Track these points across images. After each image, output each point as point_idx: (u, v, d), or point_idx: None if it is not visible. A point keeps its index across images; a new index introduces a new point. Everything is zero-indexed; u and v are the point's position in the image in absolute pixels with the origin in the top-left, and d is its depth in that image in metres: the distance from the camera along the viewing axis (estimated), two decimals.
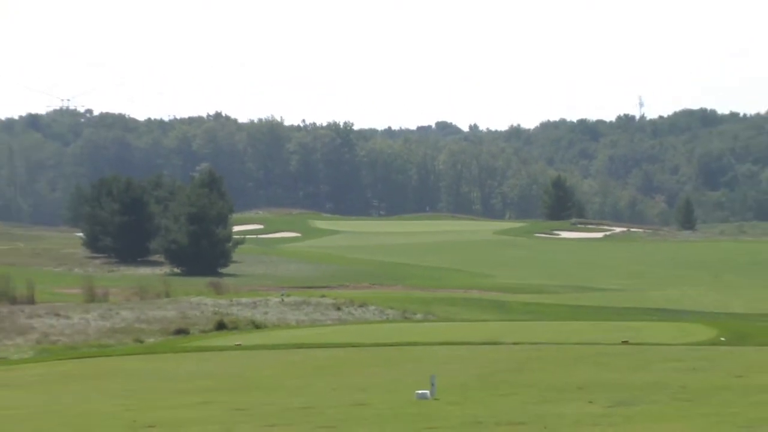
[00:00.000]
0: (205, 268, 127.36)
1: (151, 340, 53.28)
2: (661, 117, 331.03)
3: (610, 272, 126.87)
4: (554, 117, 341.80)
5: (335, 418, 24.32)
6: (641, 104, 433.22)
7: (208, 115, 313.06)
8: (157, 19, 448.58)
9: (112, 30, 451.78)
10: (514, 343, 42.43)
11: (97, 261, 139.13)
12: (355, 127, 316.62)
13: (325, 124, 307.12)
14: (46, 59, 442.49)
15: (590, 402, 26.29)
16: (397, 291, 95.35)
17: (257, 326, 59.23)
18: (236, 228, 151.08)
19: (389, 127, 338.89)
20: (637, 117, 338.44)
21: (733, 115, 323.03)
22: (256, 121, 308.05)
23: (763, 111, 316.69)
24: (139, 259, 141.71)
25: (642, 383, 29.62)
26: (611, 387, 28.98)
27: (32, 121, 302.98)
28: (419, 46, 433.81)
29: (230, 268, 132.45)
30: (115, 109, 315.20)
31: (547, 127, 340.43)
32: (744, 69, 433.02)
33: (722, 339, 45.29)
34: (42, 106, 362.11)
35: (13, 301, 71.56)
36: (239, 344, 46.18)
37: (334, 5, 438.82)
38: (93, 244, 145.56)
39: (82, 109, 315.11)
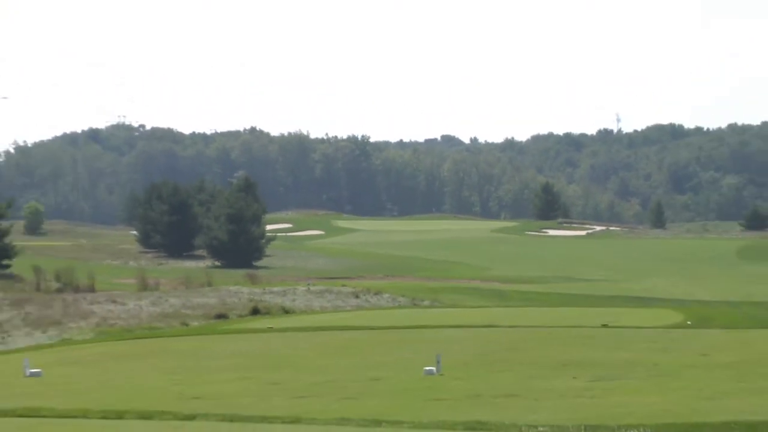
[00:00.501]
0: (242, 261, 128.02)
1: (195, 323, 52.27)
2: (635, 131, 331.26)
3: (592, 265, 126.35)
4: (543, 131, 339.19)
5: (355, 391, 24.71)
6: (618, 120, 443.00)
7: (245, 129, 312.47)
8: (201, 44, 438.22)
9: (163, 52, 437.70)
10: (510, 326, 41.60)
11: (149, 255, 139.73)
12: (371, 140, 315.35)
13: (345, 137, 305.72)
14: (103, 76, 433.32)
15: (574, 377, 26.50)
16: (407, 281, 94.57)
17: (286, 311, 58.79)
18: (268, 227, 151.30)
19: (401, 140, 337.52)
20: (615, 131, 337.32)
21: (698, 129, 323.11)
22: (285, 134, 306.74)
23: (724, 126, 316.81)
24: (184, 254, 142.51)
25: (619, 361, 29.75)
26: (592, 364, 29.06)
27: (93, 134, 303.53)
28: (427, 69, 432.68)
29: (263, 262, 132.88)
30: (164, 123, 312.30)
31: (537, 139, 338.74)
32: (707, 89, 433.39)
33: (689, 323, 44.93)
34: (101, 121, 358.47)
35: (77, 289, 71.48)
36: (271, 327, 45.53)
37: (356, 34, 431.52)
38: (145, 240, 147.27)
39: (135, 124, 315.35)
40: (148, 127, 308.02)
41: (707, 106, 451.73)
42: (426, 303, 65.74)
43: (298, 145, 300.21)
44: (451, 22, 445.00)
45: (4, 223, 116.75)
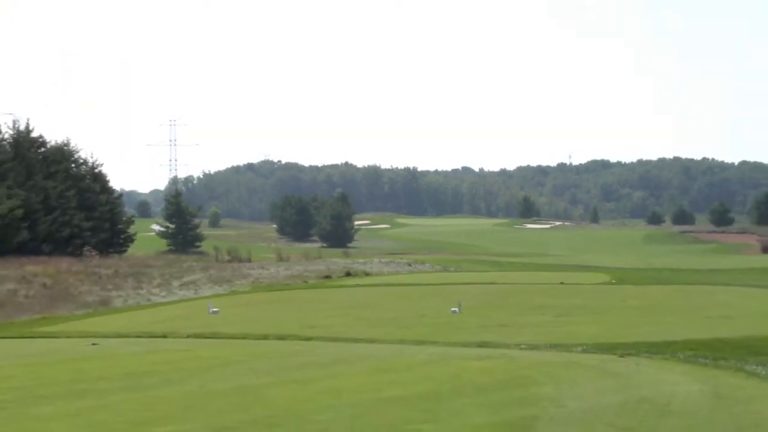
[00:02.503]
0: (339, 243, 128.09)
1: (311, 281, 51.26)
2: (580, 163, 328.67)
3: (554, 246, 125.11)
4: (524, 163, 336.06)
5: (410, 323, 25.15)
6: (570, 156, 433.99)
7: (341, 163, 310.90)
8: (313, 107, 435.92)
9: (291, 113, 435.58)
10: (503, 283, 41.18)
11: (283, 240, 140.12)
12: (419, 169, 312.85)
13: (401, 167, 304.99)
14: (255, 129, 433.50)
15: (543, 315, 26.83)
16: (440, 256, 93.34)
17: (367, 274, 57.75)
18: (355, 223, 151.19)
19: (436, 169, 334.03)
20: (567, 163, 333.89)
21: (618, 162, 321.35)
22: (366, 165, 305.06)
23: (634, 160, 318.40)
24: (305, 239, 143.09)
25: (571, 305, 29.65)
26: (554, 306, 29.10)
27: (249, 167, 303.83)
28: (453, 123, 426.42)
29: (353, 244, 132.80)
30: (292, 159, 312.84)
31: (520, 168, 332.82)
32: (624, 137, 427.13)
33: (613, 281, 44.04)
34: (254, 157, 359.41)
35: (240, 260, 70.76)
36: (357, 285, 43.77)
37: (422, 100, 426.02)
38: (281, 231, 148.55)
39: (275, 159, 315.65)
40: (282, 162, 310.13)
41: (623, 147, 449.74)
42: (452, 269, 64.85)
43: (373, 172, 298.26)
44: (465, 84, 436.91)
45: (197, 221, 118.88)
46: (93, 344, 20.43)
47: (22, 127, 73.01)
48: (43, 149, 74.76)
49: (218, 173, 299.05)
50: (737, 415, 11.13)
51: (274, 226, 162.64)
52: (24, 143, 71.98)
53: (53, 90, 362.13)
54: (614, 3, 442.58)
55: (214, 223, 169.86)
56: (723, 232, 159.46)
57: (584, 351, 17.90)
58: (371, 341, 20.42)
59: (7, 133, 71.71)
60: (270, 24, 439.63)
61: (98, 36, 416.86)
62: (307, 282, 50.69)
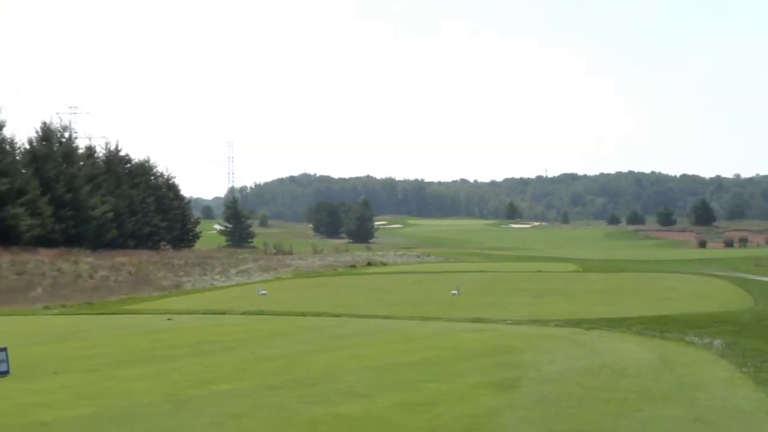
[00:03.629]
0: (363, 239, 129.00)
1: (340, 269, 50.95)
2: (554, 175, 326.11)
3: (533, 242, 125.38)
4: (509, 176, 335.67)
5: (419, 303, 25.02)
6: (545, 169, 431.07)
7: (364, 176, 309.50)
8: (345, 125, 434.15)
9: (327, 130, 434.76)
10: (491, 272, 41.07)
11: (317, 237, 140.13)
12: (425, 180, 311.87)
13: (412, 179, 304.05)
14: (296, 146, 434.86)
15: (524, 296, 26.60)
16: (443, 249, 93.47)
17: (384, 264, 58.22)
18: (375, 223, 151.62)
19: (439, 180, 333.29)
20: (543, 175, 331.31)
21: (584, 176, 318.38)
22: (384, 177, 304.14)
23: (597, 173, 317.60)
24: (335, 236, 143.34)
25: (546, 288, 29.53)
26: (532, 290, 28.90)
27: (291, 179, 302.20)
28: (454, 141, 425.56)
29: (373, 240, 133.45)
30: (325, 172, 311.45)
31: (507, 180, 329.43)
32: (589, 154, 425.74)
33: (580, 270, 43.31)
34: (296, 170, 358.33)
35: (283, 253, 71.08)
36: (376, 272, 43.75)
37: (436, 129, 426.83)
38: (316, 230, 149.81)
39: (312, 173, 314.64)
40: (317, 174, 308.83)
41: (588, 163, 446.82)
42: (452, 260, 64.80)
43: (389, 183, 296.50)
44: (463, 112, 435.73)
45: (249, 221, 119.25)
46: (168, 319, 20.53)
47: (112, 148, 73.82)
48: (128, 165, 75.11)
49: (266, 184, 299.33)
50: (679, 376, 11.13)
51: (311, 225, 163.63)
52: (114, 160, 72.42)
53: (137, 116, 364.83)
54: (584, 48, 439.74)
55: (263, 223, 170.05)
56: (667, 230, 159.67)
57: (557, 325, 17.79)
58: (388, 317, 20.36)
59: (101, 152, 72.52)
60: (308, 64, 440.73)
61: (178, 74, 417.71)
62: (336, 270, 50.45)
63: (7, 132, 57.82)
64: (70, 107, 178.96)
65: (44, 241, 53.23)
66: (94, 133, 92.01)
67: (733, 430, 7.94)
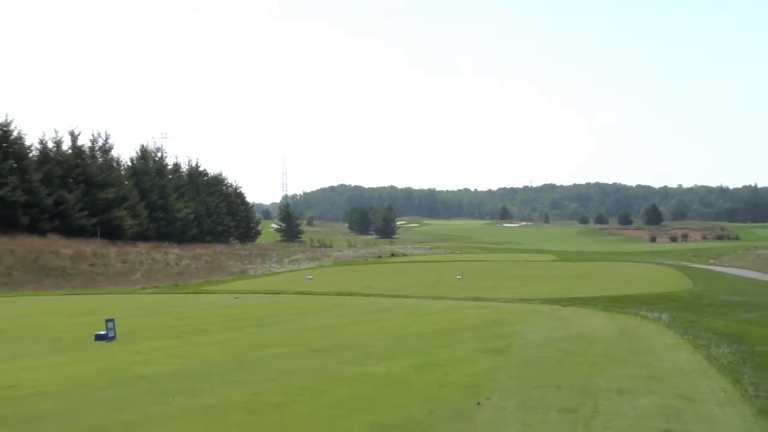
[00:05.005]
0: (387, 236, 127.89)
1: (369, 259, 50.46)
2: (537, 185, 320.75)
3: (521, 238, 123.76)
4: (502, 185, 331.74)
5: (431, 285, 24.75)
6: (530, 180, 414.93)
7: (388, 185, 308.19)
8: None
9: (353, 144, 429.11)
10: (489, 261, 40.91)
11: (352, 233, 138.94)
12: (437, 189, 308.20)
13: (426, 188, 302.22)
14: (333, 160, 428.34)
15: (514, 280, 26.37)
16: (450, 243, 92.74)
17: (404, 255, 57.70)
18: (397, 222, 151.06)
19: (447, 189, 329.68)
20: (529, 185, 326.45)
21: (561, 186, 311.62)
22: (404, 186, 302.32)
23: (571, 183, 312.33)
24: (366, 233, 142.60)
25: (531, 274, 29.28)
26: (520, 276, 28.64)
27: (331, 188, 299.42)
28: (460, 158, 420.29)
29: (395, 236, 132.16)
30: (357, 182, 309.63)
31: (500, 188, 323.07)
32: (566, 168, 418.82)
33: (558, 260, 42.19)
34: (334, 181, 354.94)
35: (325, 246, 69.98)
36: (395, 261, 43.97)
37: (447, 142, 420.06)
38: (351, 228, 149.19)
39: (347, 183, 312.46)
40: (352, 185, 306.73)
41: (564, 175, 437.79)
42: (457, 252, 64.61)
43: (408, 191, 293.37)
44: (467, 136, 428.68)
45: (299, 221, 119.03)
46: (235, 298, 20.48)
47: (193, 164, 74.55)
48: (206, 177, 75.60)
49: (312, 192, 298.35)
50: (635, 343, 11.02)
51: (346, 225, 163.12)
52: (194, 174, 72.91)
53: (213, 139, 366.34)
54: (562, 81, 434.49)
55: (309, 223, 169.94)
56: (626, 228, 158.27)
57: (540, 303, 17.63)
58: (407, 297, 20.18)
59: (185, 168, 73.19)
60: (345, 99, 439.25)
61: (245, 106, 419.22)
62: (366, 260, 50.51)
63: (114, 153, 58.79)
64: (162, 133, 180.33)
65: (142, 236, 53.79)
66: (180, 153, 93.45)
67: (677, 384, 7.90)
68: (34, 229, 44.22)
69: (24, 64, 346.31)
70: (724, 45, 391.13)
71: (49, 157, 49.87)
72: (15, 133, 46.47)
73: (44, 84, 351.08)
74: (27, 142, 47.70)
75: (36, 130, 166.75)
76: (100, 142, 56.16)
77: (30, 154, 47.83)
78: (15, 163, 45.47)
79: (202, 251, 48.68)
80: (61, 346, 10.49)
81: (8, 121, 46.56)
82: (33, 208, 45.13)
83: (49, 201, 46.42)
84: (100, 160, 54.90)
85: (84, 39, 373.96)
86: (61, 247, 39.43)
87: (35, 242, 39.53)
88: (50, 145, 50.98)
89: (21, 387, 7.53)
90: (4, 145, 45.37)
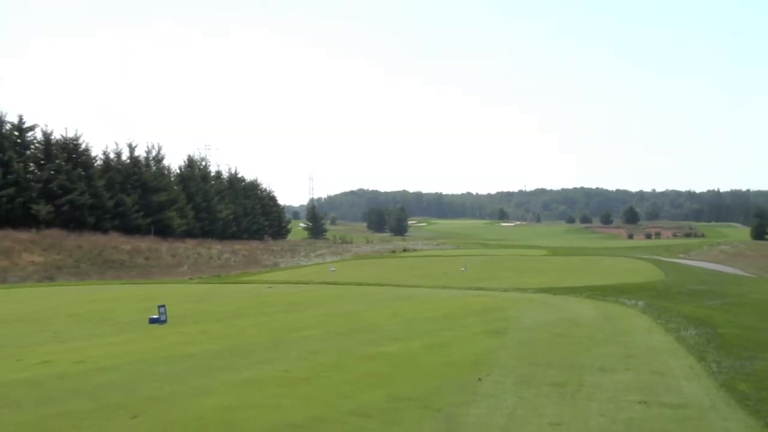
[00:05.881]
0: (400, 233, 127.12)
1: (385, 254, 49.53)
2: (530, 190, 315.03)
3: (516, 236, 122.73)
4: (500, 189, 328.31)
5: (438, 276, 24.40)
6: (525, 185, 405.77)
7: (402, 189, 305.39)
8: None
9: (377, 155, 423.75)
10: (488, 255, 40.03)
11: (369, 231, 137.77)
12: (443, 193, 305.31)
13: (434, 192, 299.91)
14: (354, 170, 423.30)
15: (510, 272, 25.92)
16: (455, 240, 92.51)
17: (415, 250, 57.63)
18: (409, 222, 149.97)
19: (452, 193, 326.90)
20: (524, 189, 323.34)
21: (551, 190, 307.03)
22: (415, 191, 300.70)
23: (560, 188, 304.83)
24: (381, 231, 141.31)
25: (525, 267, 28.94)
26: (515, 268, 28.31)
27: (351, 193, 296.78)
28: (463, 164, 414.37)
29: (407, 234, 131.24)
30: (373, 187, 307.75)
31: (498, 192, 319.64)
32: (554, 175, 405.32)
33: (548, 254, 42.29)
34: (354, 186, 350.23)
35: (346, 242, 70.23)
36: (407, 255, 42.53)
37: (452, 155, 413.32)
38: (369, 227, 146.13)
39: (366, 188, 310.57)
40: (369, 189, 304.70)
41: (553, 180, 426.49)
42: (461, 248, 64.00)
43: (418, 195, 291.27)
44: (470, 145, 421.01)
45: (324, 221, 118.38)
46: (269, 287, 20.38)
47: (233, 171, 74.84)
48: (243, 183, 75.73)
49: (335, 195, 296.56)
50: (615, 326, 10.88)
51: (365, 224, 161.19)
52: (234, 180, 73.18)
53: (251, 149, 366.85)
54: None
55: (333, 222, 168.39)
56: (607, 227, 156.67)
57: (533, 292, 17.45)
58: (417, 286, 20.01)
59: (226, 175, 73.52)
60: (363, 116, 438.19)
61: (277, 122, 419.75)
62: (382, 254, 50.06)
63: (165, 162, 59.08)
64: (206, 145, 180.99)
65: (188, 234, 54.09)
66: (221, 162, 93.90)
67: (651, 362, 7.87)
68: (98, 227, 44.87)
69: (94, 85, 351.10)
70: (694, 61, 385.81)
71: (110, 165, 50.37)
72: (83, 146, 47.27)
73: (109, 102, 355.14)
74: (93, 153, 48.50)
75: (100, 143, 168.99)
76: (154, 152, 56.71)
77: (95, 164, 48.40)
78: (83, 171, 46.26)
79: (240, 247, 48.84)
80: (121, 328, 10.53)
81: (78, 135, 47.38)
82: (97, 210, 45.78)
83: (111, 203, 47.04)
84: (153, 168, 55.32)
85: (142, 68, 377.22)
86: (120, 243, 39.86)
87: (99, 239, 40.01)
88: (112, 155, 51.58)
89: (88, 362, 7.63)
90: (74, 156, 46.19)
